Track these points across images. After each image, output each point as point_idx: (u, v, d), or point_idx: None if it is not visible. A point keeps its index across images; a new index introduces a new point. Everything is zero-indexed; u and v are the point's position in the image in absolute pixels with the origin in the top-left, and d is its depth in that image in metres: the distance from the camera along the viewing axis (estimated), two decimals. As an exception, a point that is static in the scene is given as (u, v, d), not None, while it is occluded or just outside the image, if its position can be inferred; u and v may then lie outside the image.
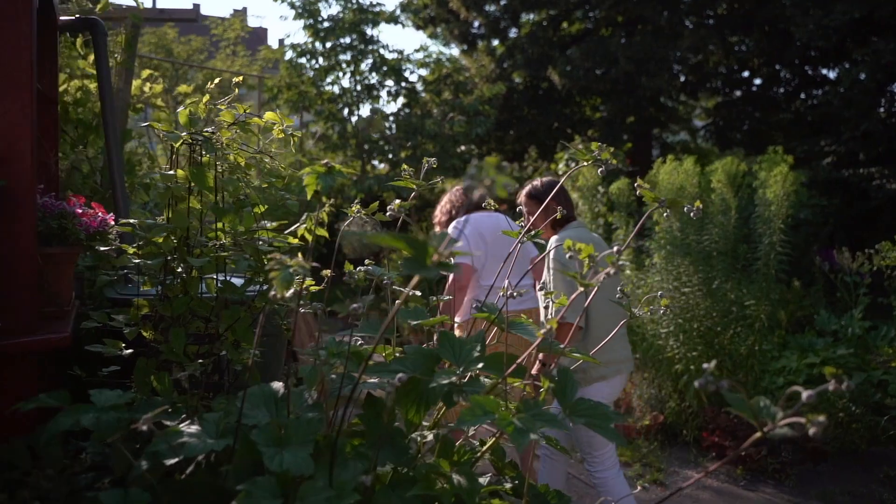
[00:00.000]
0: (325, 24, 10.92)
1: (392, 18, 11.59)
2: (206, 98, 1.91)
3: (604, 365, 2.98)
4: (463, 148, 11.69)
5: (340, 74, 11.10)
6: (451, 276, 3.74)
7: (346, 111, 11.03)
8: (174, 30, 9.66)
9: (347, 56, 11.17)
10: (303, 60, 10.64)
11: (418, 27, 14.03)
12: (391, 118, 11.33)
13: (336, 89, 10.87)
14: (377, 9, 11.37)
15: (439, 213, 3.93)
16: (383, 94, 11.63)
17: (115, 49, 4.08)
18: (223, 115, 1.93)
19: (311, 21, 10.84)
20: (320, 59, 10.91)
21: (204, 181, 1.83)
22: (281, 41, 12.86)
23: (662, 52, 10.24)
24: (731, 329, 4.54)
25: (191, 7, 14.73)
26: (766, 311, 4.40)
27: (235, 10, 10.29)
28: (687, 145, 13.59)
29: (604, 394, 3.01)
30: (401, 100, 11.68)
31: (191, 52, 9.60)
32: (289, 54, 10.48)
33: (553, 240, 3.70)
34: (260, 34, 15.84)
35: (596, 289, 1.35)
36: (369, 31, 11.26)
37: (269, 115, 1.87)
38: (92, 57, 3.91)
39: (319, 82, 10.67)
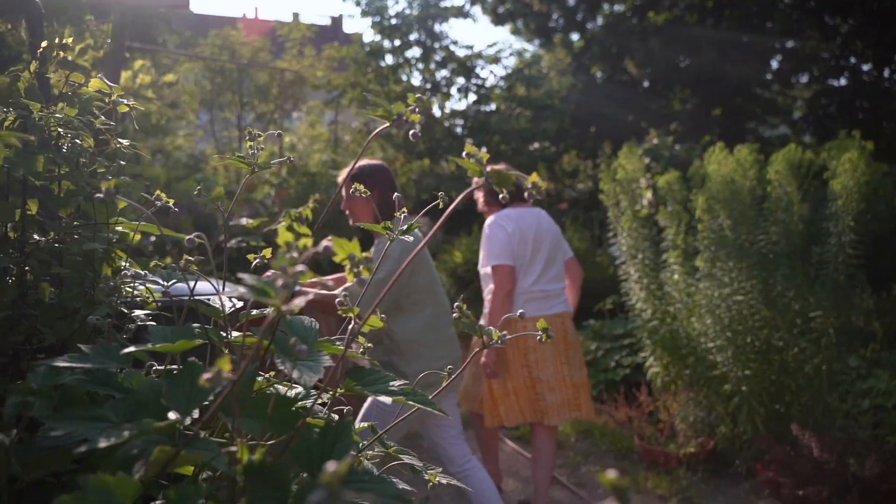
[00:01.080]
0: (392, 22, 10.72)
1: (462, 13, 11.24)
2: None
3: (418, 373, 2.69)
4: (537, 145, 11.19)
5: (408, 72, 10.87)
6: (490, 284, 3.40)
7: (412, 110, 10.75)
8: (238, 31, 9.70)
9: (416, 53, 10.92)
10: (369, 58, 10.46)
11: (495, 23, 13.64)
12: (459, 116, 10.99)
13: (402, 87, 10.62)
14: (446, 4, 11.06)
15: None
16: (453, 91, 11.31)
17: (101, 39, 3.94)
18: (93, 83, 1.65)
19: (378, 18, 10.66)
20: (388, 57, 10.71)
21: (32, 165, 1.53)
22: (347, 38, 12.81)
23: (752, 38, 9.36)
24: (795, 344, 3.88)
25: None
26: (834, 324, 3.71)
27: (295, 14, 10.24)
28: (787, 139, 12.47)
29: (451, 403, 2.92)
30: (472, 96, 11.32)
31: (254, 52, 9.61)
32: (354, 52, 10.34)
33: (489, 219, 3.41)
34: (332, 31, 15.85)
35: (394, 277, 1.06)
36: (438, 27, 10.96)
37: (94, 83, 1.55)
38: (78, 47, 3.79)
39: (385, 80, 10.47)
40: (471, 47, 11.10)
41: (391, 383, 1.10)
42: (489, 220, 3.41)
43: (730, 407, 3.92)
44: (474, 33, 59.66)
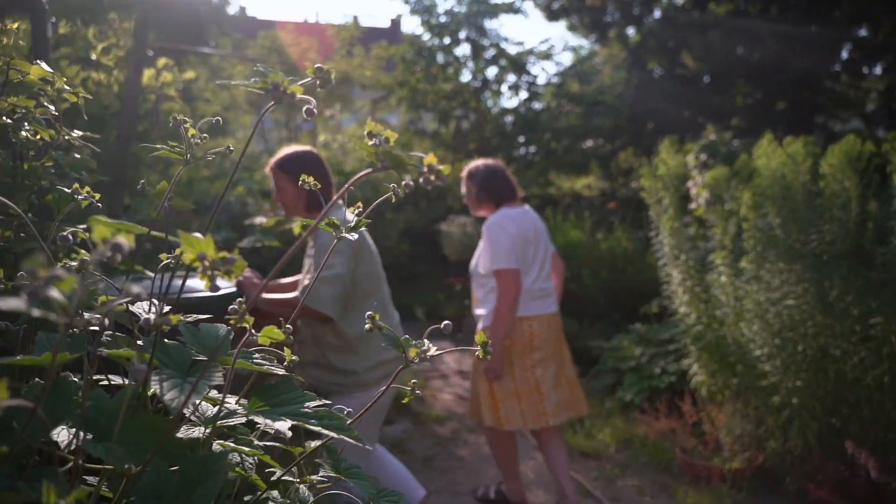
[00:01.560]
0: (442, 19, 10.60)
1: (512, 9, 11.02)
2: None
3: (374, 367, 2.60)
4: (590, 143, 10.89)
5: (458, 70, 10.73)
6: (487, 285, 3.30)
7: (461, 108, 10.63)
8: (289, 33, 9.75)
9: (465, 50, 10.78)
10: (418, 56, 10.36)
11: (549, 19, 13.36)
12: (509, 114, 10.78)
13: (452, 86, 10.48)
14: (496, 0, 10.87)
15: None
16: (503, 88, 11.12)
17: (122, 38, 3.92)
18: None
19: (427, 17, 10.56)
20: (438, 56, 10.59)
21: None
22: (393, 37, 12.75)
23: (819, 28, 8.84)
24: (853, 353, 3.55)
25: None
26: (897, 332, 3.37)
27: (354, 17, 10.23)
28: (861, 134, 11.77)
29: (381, 401, 2.65)
30: (522, 94, 11.10)
31: (302, 53, 9.63)
32: (403, 51, 10.27)
33: (491, 219, 3.28)
34: (391, 33, 15.77)
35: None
36: (488, 24, 10.79)
37: (35, 70, 1.45)
38: (101, 46, 3.79)
39: (434, 79, 10.35)
40: (521, 44, 10.88)
41: (305, 403, 0.96)
42: (490, 220, 3.28)
43: (780, 420, 3.63)
44: (525, 30, 58.81)
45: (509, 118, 10.70)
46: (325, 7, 78.46)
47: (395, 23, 27.00)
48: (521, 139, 10.16)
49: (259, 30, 9.75)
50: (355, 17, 10.52)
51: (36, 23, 2.62)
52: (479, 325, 3.31)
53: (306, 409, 0.94)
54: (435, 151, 8.49)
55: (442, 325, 1.06)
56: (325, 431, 0.90)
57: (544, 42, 11.15)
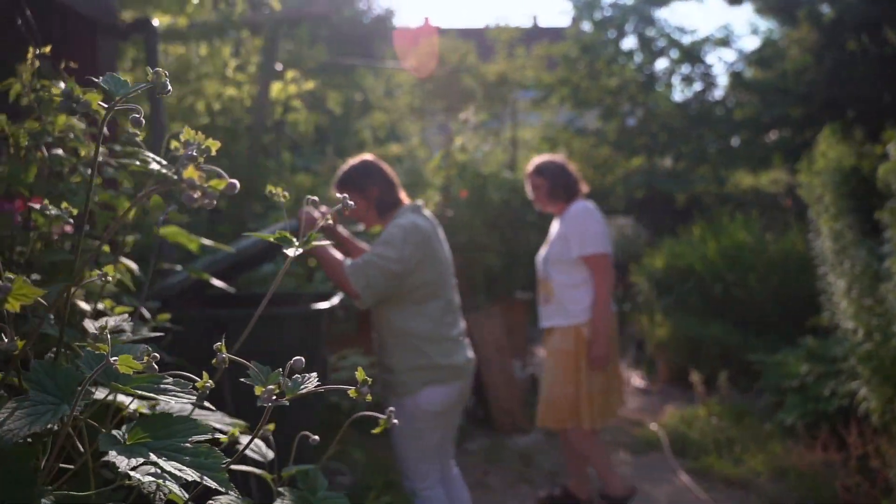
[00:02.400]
0: (607, 13, 10.20)
1: (685, -5, 10.31)
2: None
3: (411, 370, 2.48)
4: (775, 135, 9.91)
5: (625, 64, 10.24)
6: (566, 272, 3.26)
7: (628, 104, 10.14)
8: (450, 39, 9.89)
9: (632, 44, 10.28)
10: (582, 53, 10.03)
11: (731, 2, 12.36)
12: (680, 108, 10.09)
13: (617, 81, 10.03)
14: (666, -13, 10.24)
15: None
16: (674, 80, 10.45)
17: (252, 54, 4.15)
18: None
19: (591, 11, 10.22)
20: (603, 50, 10.19)
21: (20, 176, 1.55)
22: (549, 35, 12.44)
23: None
24: None
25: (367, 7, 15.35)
26: None
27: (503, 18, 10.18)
28: None
29: (435, 399, 2.50)
30: (696, 85, 10.36)
31: (461, 57, 9.71)
32: (565, 49, 10.00)
33: (581, 204, 3.27)
34: (535, 32, 15.31)
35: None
36: (657, 14, 10.21)
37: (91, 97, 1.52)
38: (233, 64, 4.03)
39: (598, 75, 9.96)
40: (695, 31, 10.17)
41: (189, 439, 0.89)
42: (581, 204, 3.28)
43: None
44: (699, 17, 54.66)
45: (680, 112, 10.03)
46: (491, 9, 78.63)
47: (536, 21, 26.66)
48: (694, 134, 9.47)
49: (420, 37, 9.99)
50: (504, 18, 10.49)
51: (149, 44, 2.84)
52: (568, 321, 3.21)
53: (186, 445, 0.88)
54: (598, 150, 8.18)
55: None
56: (190, 472, 0.83)
57: (722, 28, 10.27)
